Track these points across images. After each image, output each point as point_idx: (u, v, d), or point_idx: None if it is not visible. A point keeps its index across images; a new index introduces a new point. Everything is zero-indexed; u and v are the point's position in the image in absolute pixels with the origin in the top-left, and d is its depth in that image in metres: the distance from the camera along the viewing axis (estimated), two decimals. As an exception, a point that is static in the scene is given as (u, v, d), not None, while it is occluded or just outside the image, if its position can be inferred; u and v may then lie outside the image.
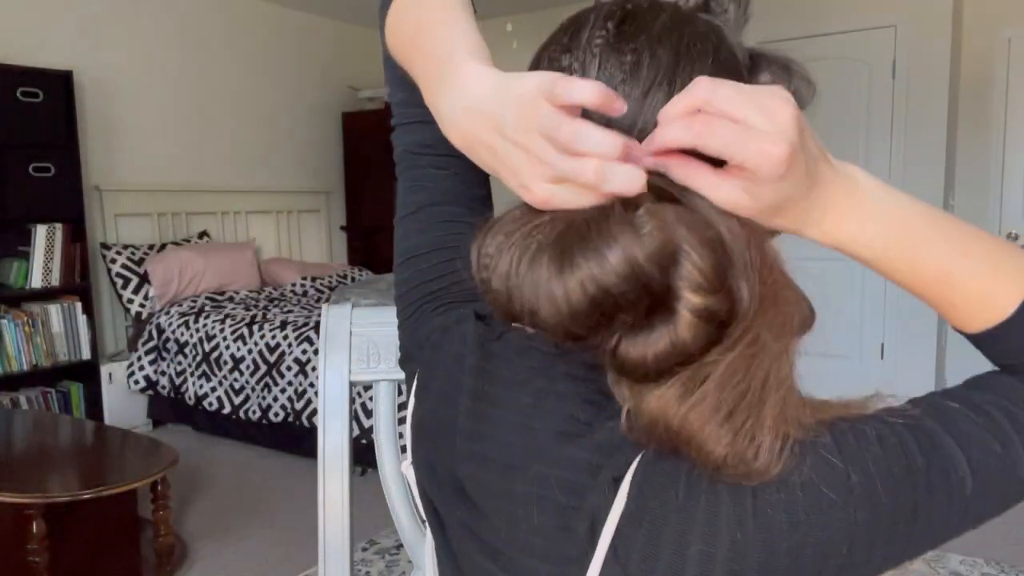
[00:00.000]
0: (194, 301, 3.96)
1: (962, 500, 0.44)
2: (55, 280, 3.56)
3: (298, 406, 3.35)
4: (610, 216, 0.41)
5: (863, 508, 0.41)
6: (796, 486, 0.41)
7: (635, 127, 0.47)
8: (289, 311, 3.84)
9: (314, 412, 3.31)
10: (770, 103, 0.40)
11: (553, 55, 0.52)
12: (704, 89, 0.40)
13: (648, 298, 0.40)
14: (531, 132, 0.42)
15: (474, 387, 0.53)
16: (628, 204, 0.42)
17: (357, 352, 0.92)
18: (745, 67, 0.51)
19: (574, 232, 0.41)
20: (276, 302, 4.15)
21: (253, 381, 3.50)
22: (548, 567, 0.47)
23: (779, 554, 0.41)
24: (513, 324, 0.53)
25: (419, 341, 0.61)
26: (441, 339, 0.58)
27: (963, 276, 0.46)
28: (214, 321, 3.71)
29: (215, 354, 3.63)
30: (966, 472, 0.43)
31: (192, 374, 3.71)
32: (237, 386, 3.56)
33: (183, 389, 3.75)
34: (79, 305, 3.65)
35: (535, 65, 0.54)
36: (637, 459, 0.44)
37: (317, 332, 3.38)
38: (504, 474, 0.49)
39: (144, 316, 3.94)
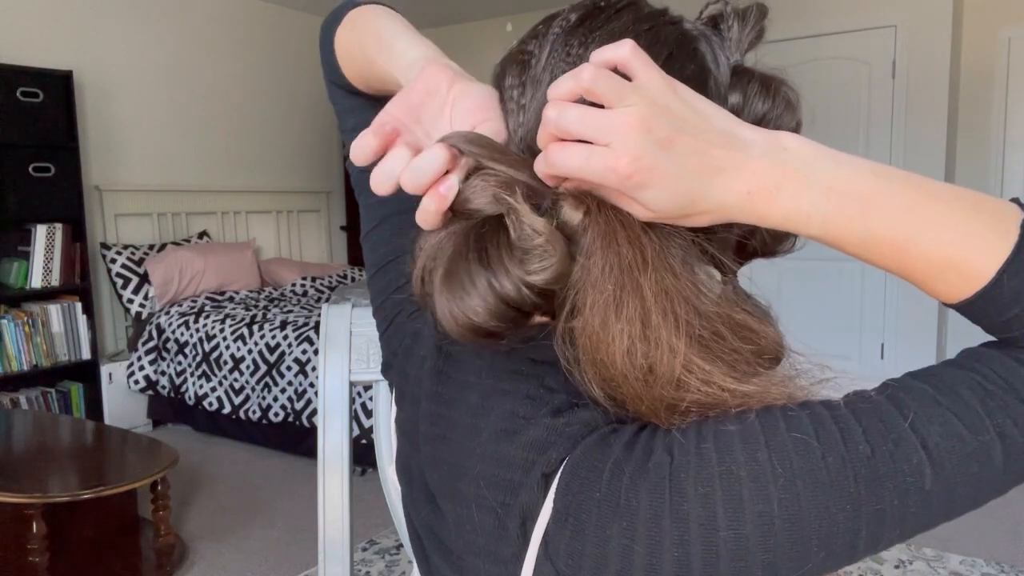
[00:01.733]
0: (194, 301, 3.96)
1: (920, 492, 0.40)
2: (55, 280, 3.56)
3: (298, 406, 3.35)
4: (493, 242, 0.44)
5: (785, 505, 0.39)
6: (715, 477, 0.40)
7: None
8: (289, 311, 3.84)
9: (314, 412, 3.31)
10: (606, 119, 0.40)
11: (526, 37, 0.54)
12: (552, 113, 0.42)
13: (517, 323, 0.45)
14: None
15: (432, 390, 0.54)
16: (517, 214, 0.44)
17: (357, 352, 0.92)
18: (722, 84, 0.51)
19: (462, 253, 0.44)
20: (276, 302, 4.15)
21: (253, 381, 3.50)
22: (488, 566, 0.47)
23: (695, 551, 0.39)
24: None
25: (394, 349, 0.63)
26: (412, 345, 0.60)
27: (927, 245, 0.42)
28: (214, 321, 3.71)
29: (215, 354, 3.63)
30: (923, 461, 0.39)
31: (192, 374, 3.71)
32: (237, 386, 3.56)
33: (183, 389, 3.75)
34: (79, 305, 3.65)
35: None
36: (567, 457, 0.44)
37: (317, 332, 3.38)
38: (454, 475, 0.50)
39: (144, 316, 3.94)
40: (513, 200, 0.44)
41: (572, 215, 0.44)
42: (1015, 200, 0.43)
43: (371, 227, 0.68)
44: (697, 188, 0.42)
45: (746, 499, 0.39)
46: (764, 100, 0.51)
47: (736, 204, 0.43)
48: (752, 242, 0.55)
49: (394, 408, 0.62)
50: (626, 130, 0.40)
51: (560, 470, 0.44)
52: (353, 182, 0.70)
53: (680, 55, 0.49)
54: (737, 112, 0.50)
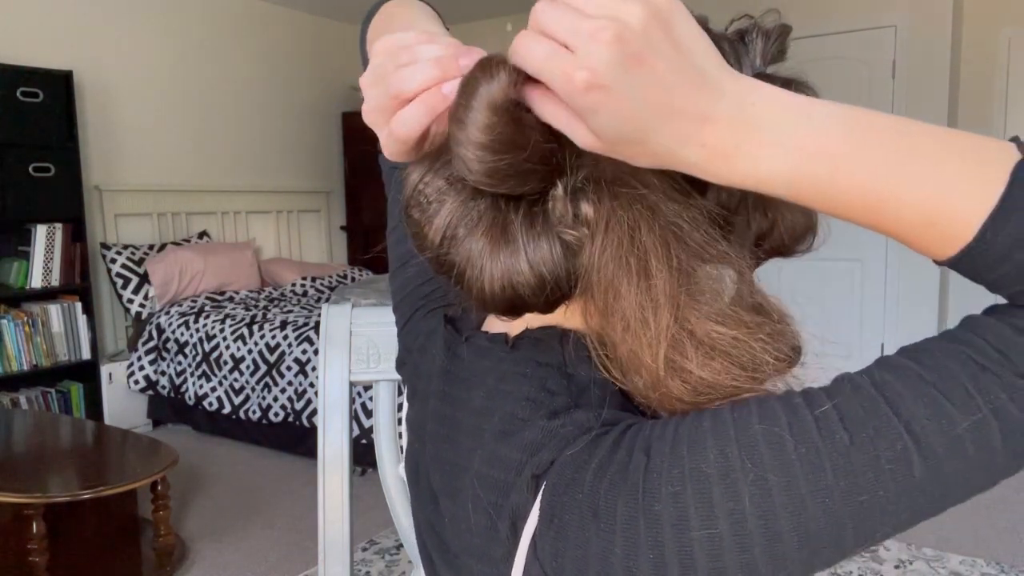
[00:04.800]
0: (194, 301, 3.96)
1: (908, 479, 0.37)
2: (55, 280, 3.56)
3: (298, 406, 3.35)
4: (538, 212, 0.44)
5: (756, 502, 0.37)
6: (685, 477, 0.39)
7: None
8: (289, 311, 3.84)
9: (314, 412, 3.31)
10: (590, 25, 0.36)
11: None
12: (537, 6, 0.38)
13: (554, 300, 0.45)
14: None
15: (440, 389, 0.54)
16: (547, 192, 0.44)
17: (357, 352, 0.92)
18: None
19: (509, 214, 0.44)
20: (276, 302, 4.15)
21: (253, 381, 3.50)
22: (481, 566, 0.47)
23: (670, 552, 0.38)
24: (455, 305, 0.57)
25: (410, 346, 0.64)
26: (426, 343, 0.60)
27: (902, 203, 0.38)
28: (214, 321, 3.71)
29: (215, 354, 3.63)
30: (908, 447, 0.37)
31: (192, 374, 3.71)
32: (237, 386, 3.56)
33: (183, 389, 3.75)
34: (79, 305, 3.65)
35: None
36: (557, 458, 0.44)
37: (317, 332, 3.37)
38: (455, 474, 0.50)
39: (144, 316, 3.93)
40: (560, 183, 0.44)
41: (586, 209, 0.44)
42: (1015, 139, 0.39)
43: (394, 224, 0.69)
44: (649, 124, 0.38)
45: (716, 497, 0.38)
46: None
47: (694, 160, 0.40)
48: (769, 241, 0.54)
49: (406, 406, 0.62)
50: (597, 41, 0.36)
51: (549, 471, 0.44)
52: (384, 177, 0.71)
53: None
54: None
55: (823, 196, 0.39)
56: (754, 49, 0.51)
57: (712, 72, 0.39)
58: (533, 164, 0.41)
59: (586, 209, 0.44)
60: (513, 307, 0.45)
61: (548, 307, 0.46)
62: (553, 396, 0.47)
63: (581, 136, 0.39)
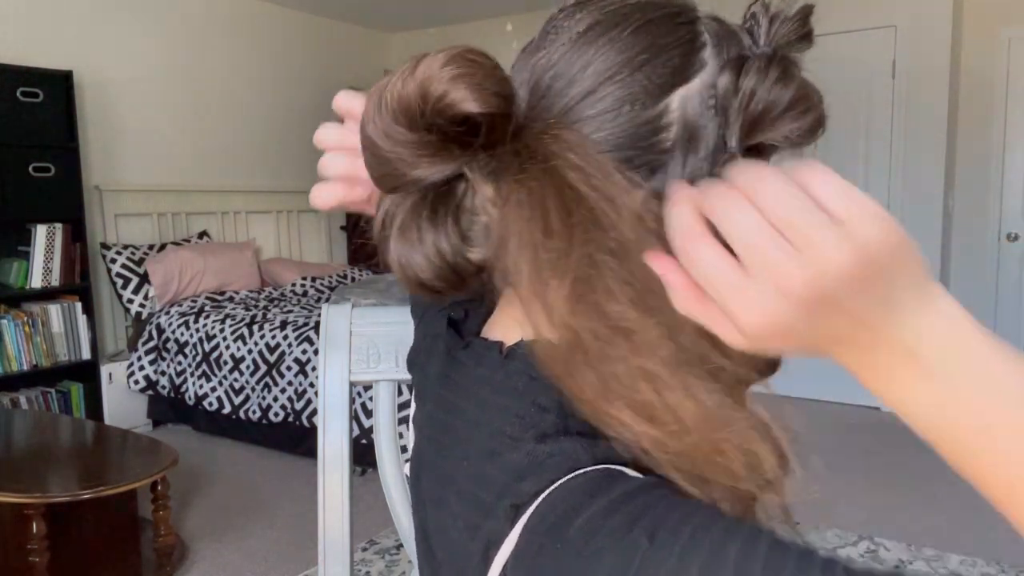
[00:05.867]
0: (194, 301, 3.96)
1: None
2: (55, 280, 3.56)
3: (298, 406, 3.35)
4: (447, 203, 0.44)
5: None
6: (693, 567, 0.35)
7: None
8: (289, 311, 3.84)
9: (314, 412, 3.31)
10: (778, 269, 0.33)
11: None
12: (686, 246, 0.35)
13: (458, 286, 0.45)
14: None
15: (437, 394, 0.54)
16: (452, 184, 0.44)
17: (357, 352, 0.92)
18: (707, 63, 0.47)
19: (419, 207, 0.45)
20: (276, 302, 4.15)
21: (253, 381, 3.50)
22: None
23: None
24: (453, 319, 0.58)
25: (419, 346, 0.64)
26: (431, 345, 0.60)
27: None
28: (214, 321, 3.71)
29: (215, 354, 3.63)
30: None
31: (192, 374, 3.71)
32: (237, 386, 3.56)
33: (183, 389, 3.75)
34: (79, 305, 3.65)
35: None
36: (543, 494, 0.41)
37: (317, 332, 3.38)
38: (443, 485, 0.50)
39: (144, 316, 3.94)
40: (471, 171, 0.43)
41: (487, 190, 0.43)
42: None
43: None
44: (814, 348, 0.37)
45: None
46: (771, 83, 0.46)
47: (843, 364, 0.38)
48: None
49: (413, 405, 0.62)
50: (782, 294, 0.33)
51: (533, 505, 0.42)
52: None
53: (663, 23, 0.46)
54: (731, 93, 0.45)
55: (956, 450, 0.36)
56: (760, 33, 0.48)
57: (900, 297, 0.35)
58: (431, 147, 0.42)
59: (486, 190, 0.43)
60: (425, 290, 0.46)
61: (459, 286, 0.45)
62: (544, 413, 0.45)
63: (730, 338, 0.37)
